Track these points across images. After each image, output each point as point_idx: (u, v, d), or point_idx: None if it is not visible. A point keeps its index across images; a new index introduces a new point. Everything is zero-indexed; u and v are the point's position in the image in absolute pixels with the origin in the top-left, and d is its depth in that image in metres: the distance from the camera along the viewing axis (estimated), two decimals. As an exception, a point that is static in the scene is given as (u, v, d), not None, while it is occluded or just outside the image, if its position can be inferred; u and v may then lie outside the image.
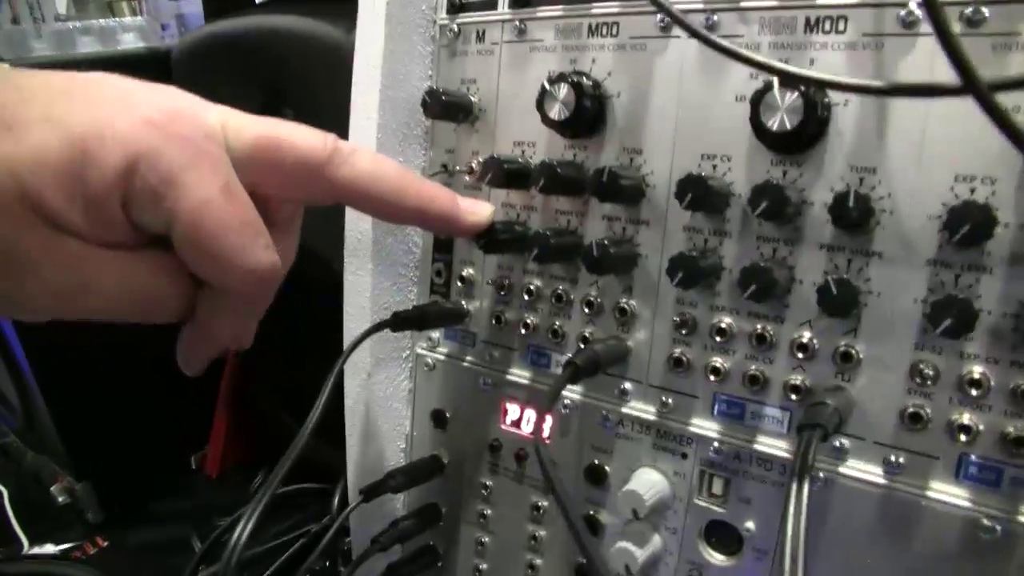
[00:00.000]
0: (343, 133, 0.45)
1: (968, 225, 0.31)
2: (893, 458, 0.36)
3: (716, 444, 0.41)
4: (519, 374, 0.49)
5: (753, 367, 0.39)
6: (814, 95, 0.34)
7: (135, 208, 0.29)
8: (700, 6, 0.39)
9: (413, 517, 0.53)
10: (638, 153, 0.42)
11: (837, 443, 0.37)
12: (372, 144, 0.48)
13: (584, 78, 0.42)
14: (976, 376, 0.34)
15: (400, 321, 0.46)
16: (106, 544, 0.85)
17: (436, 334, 0.53)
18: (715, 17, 0.39)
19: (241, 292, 0.32)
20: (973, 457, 0.34)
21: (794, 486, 0.29)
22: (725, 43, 0.32)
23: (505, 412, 0.49)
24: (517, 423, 0.49)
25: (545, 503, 0.49)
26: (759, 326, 0.39)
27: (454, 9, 0.48)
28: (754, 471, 0.40)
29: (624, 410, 0.44)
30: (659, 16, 0.40)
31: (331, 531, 0.47)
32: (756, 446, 0.40)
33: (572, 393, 0.46)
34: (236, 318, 0.34)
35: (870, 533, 0.37)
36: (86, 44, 0.89)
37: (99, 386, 0.86)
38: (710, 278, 0.40)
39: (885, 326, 0.36)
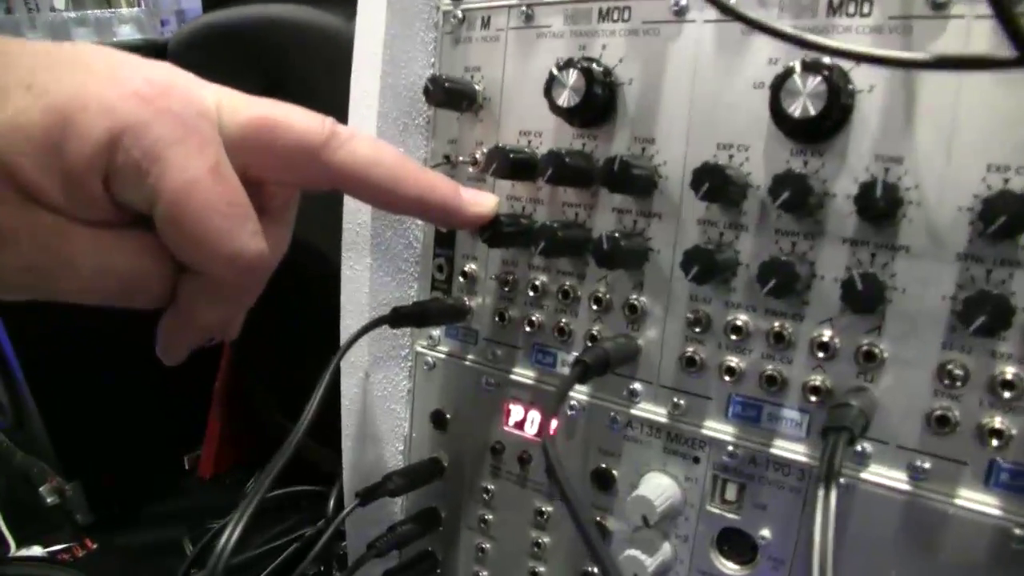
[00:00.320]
0: (342, 122, 0.44)
1: (1004, 216, 0.29)
2: (918, 463, 0.34)
3: (730, 448, 0.39)
4: (523, 374, 0.47)
5: (770, 367, 0.37)
6: (838, 80, 0.33)
7: (117, 184, 0.28)
8: (717, -12, 0.37)
9: (411, 522, 0.51)
10: (650, 143, 0.40)
11: (859, 447, 0.36)
12: (372, 133, 0.47)
13: (594, 64, 0.40)
14: (1009, 377, 0.32)
15: (399, 317, 0.44)
16: (95, 547, 0.83)
17: (436, 332, 0.51)
18: (732, 0, 0.37)
19: (225, 279, 0.30)
20: (1004, 463, 0.32)
21: (821, 492, 0.27)
22: (767, 21, 0.30)
23: (508, 413, 0.47)
24: (520, 425, 0.47)
25: (549, 508, 0.47)
26: (777, 324, 0.37)
27: (458, -6, 0.47)
28: (770, 476, 0.38)
29: (633, 412, 0.42)
30: (673, 0, 0.39)
31: (326, 535, 0.45)
32: (773, 450, 0.38)
33: (579, 394, 0.44)
34: (220, 306, 0.32)
35: (894, 543, 0.35)
36: (82, 35, 0.87)
37: (90, 384, 0.85)
38: (726, 273, 0.38)
39: (911, 324, 0.34)
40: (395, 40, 0.47)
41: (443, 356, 0.50)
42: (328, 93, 0.51)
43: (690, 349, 0.40)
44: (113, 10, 0.90)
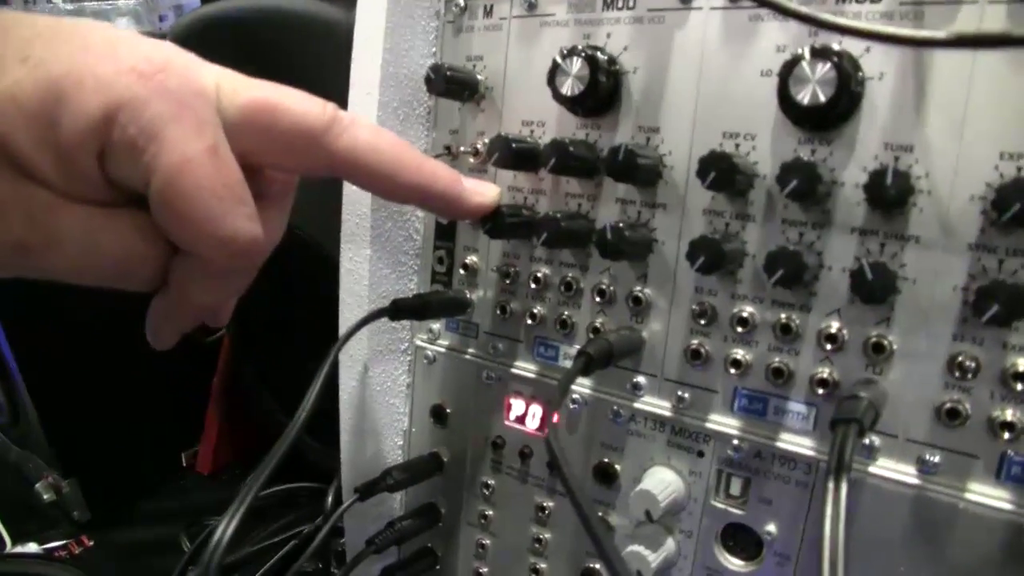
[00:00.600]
0: (342, 111, 0.43)
1: (1018, 204, 0.29)
2: (928, 457, 0.34)
3: (735, 441, 0.38)
4: (524, 367, 0.46)
5: (777, 359, 0.37)
6: (848, 67, 0.32)
7: (112, 161, 0.27)
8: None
9: (411, 518, 0.50)
10: (655, 132, 0.40)
11: (867, 441, 0.35)
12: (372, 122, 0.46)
13: (599, 52, 0.39)
14: (1021, 369, 0.31)
15: (399, 310, 0.44)
16: (92, 543, 0.83)
17: (437, 325, 0.50)
18: (739, -14, 0.36)
19: (218, 262, 0.30)
20: (1016, 456, 0.32)
21: (831, 484, 0.27)
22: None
23: (509, 407, 0.47)
24: (521, 419, 0.46)
25: (550, 503, 0.46)
26: (784, 315, 0.36)
27: (460, -18, 0.46)
28: (776, 470, 0.38)
29: (637, 405, 0.42)
30: (680, -14, 0.38)
31: (323, 531, 0.44)
32: (779, 444, 0.37)
33: (581, 387, 0.44)
34: (212, 290, 0.32)
35: (903, 538, 0.34)
36: (78, 28, 0.86)
37: (87, 380, 0.84)
38: (732, 264, 0.37)
39: (921, 315, 0.33)
40: (396, 29, 0.46)
41: (443, 350, 0.50)
42: (328, 84, 0.50)
43: (695, 341, 0.39)
44: (111, 2, 0.89)
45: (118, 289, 0.30)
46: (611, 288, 0.41)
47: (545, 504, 0.46)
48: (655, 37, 0.39)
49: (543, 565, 0.47)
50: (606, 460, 0.43)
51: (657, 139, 0.39)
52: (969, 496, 0.33)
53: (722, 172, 0.34)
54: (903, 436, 0.34)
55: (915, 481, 0.34)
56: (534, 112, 0.44)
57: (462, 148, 0.47)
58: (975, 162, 0.32)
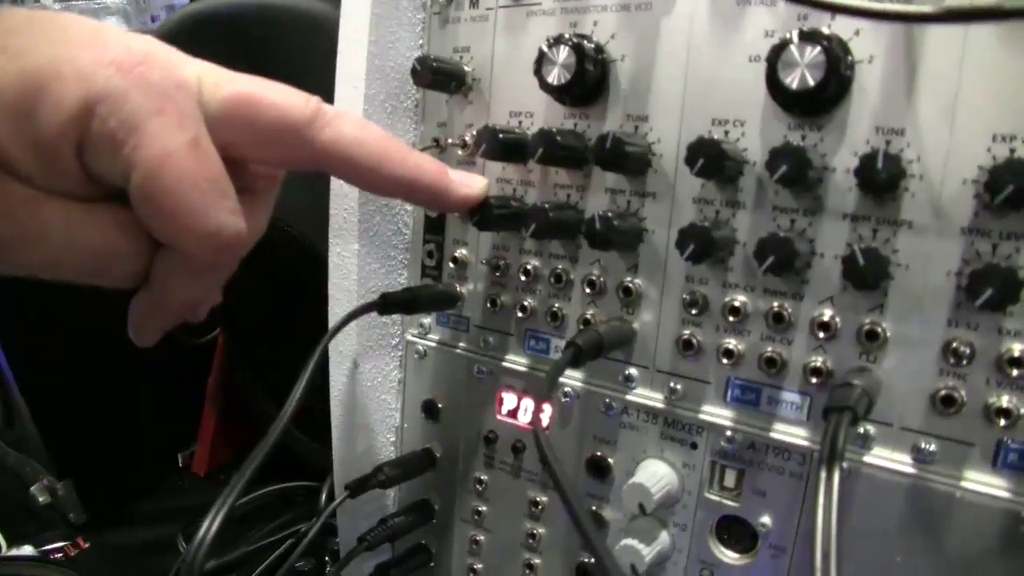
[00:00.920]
0: (328, 104, 0.42)
1: (1011, 187, 0.28)
2: (923, 445, 0.33)
3: (729, 433, 0.38)
4: (515, 361, 0.46)
5: (769, 348, 0.36)
6: (837, 50, 0.32)
7: (91, 155, 0.27)
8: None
9: (403, 514, 0.50)
10: (643, 120, 0.39)
11: (861, 429, 0.34)
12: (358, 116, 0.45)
13: (585, 41, 0.39)
14: (1016, 354, 0.31)
15: (388, 304, 0.43)
16: (88, 545, 0.82)
17: (427, 319, 0.49)
18: (726, -30, 0.36)
19: (200, 256, 0.29)
20: (1013, 443, 0.31)
21: (823, 474, 0.26)
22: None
23: (501, 402, 0.46)
24: (514, 413, 0.46)
25: (544, 498, 0.46)
26: (776, 304, 0.36)
27: (446, -27, 0.45)
28: (770, 461, 0.37)
29: (629, 397, 0.41)
30: (666, -28, 0.37)
31: (314, 529, 0.44)
32: (773, 434, 0.37)
33: (572, 380, 0.43)
34: (194, 285, 0.31)
35: (898, 528, 0.34)
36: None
37: (81, 382, 0.84)
38: (722, 252, 0.37)
39: (914, 301, 0.33)
40: (381, 20, 0.45)
41: (434, 344, 0.49)
42: (317, 80, 0.50)
43: (687, 332, 0.39)
44: (99, 2, 0.89)
45: (98, 286, 0.30)
46: (601, 279, 0.41)
47: (538, 499, 0.46)
48: (642, 24, 0.39)
49: (537, 560, 0.47)
50: (599, 453, 0.42)
51: (646, 127, 0.39)
52: (965, 484, 0.32)
53: (710, 159, 0.34)
54: (898, 424, 0.34)
55: (911, 470, 0.34)
56: (522, 103, 0.43)
57: (450, 140, 0.46)
58: (967, 145, 0.31)
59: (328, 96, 0.47)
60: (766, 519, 0.37)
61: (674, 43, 0.38)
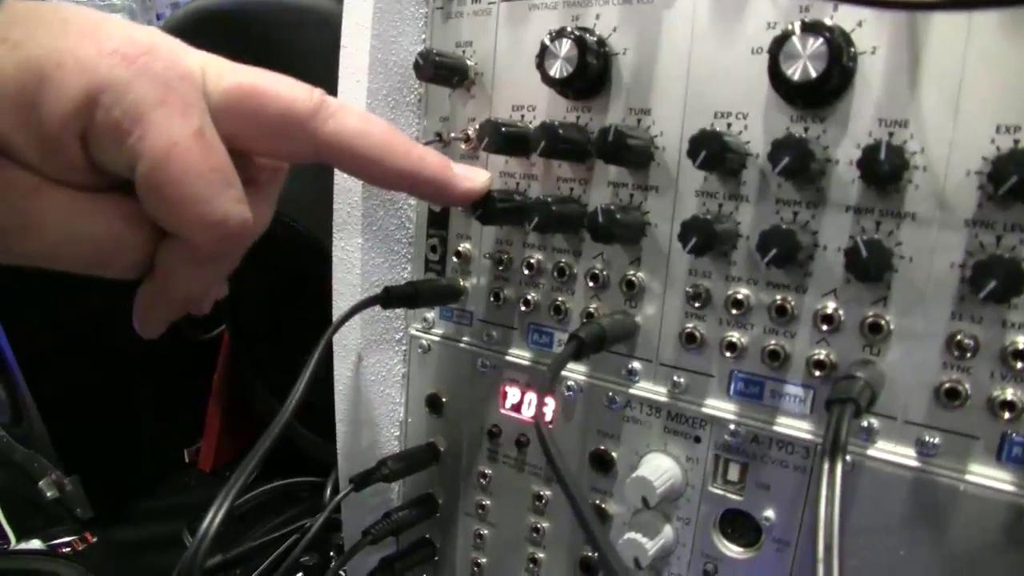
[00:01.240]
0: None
1: (1015, 178, 0.28)
2: (927, 438, 0.33)
3: (732, 426, 0.38)
4: (519, 355, 0.46)
5: (773, 342, 0.36)
6: (839, 41, 0.31)
7: (96, 145, 0.27)
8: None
9: (408, 508, 0.50)
10: (646, 113, 0.39)
11: (865, 423, 0.34)
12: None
13: (587, 34, 0.39)
14: (1021, 347, 0.31)
15: (391, 297, 0.43)
16: (95, 540, 0.82)
17: (431, 314, 0.50)
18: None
19: (205, 246, 0.29)
20: (1017, 436, 0.31)
21: (826, 466, 0.26)
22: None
23: (504, 396, 0.46)
24: (517, 407, 0.46)
25: (548, 492, 0.46)
26: (779, 297, 0.36)
27: (448, -33, 0.45)
28: (774, 455, 0.37)
29: (632, 391, 0.41)
30: (668, -35, 0.37)
31: (318, 522, 0.44)
32: (776, 428, 0.37)
33: (576, 374, 0.43)
34: (198, 277, 0.31)
35: (902, 522, 0.34)
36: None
37: (89, 379, 0.84)
38: (725, 245, 0.36)
39: (918, 294, 0.33)
40: (384, 15, 0.45)
41: (438, 339, 0.49)
42: (322, 75, 0.50)
43: (690, 325, 0.38)
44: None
45: (103, 277, 0.30)
46: (604, 273, 0.41)
47: (542, 493, 0.46)
48: (644, 17, 0.38)
49: (541, 555, 0.47)
50: (602, 447, 0.42)
51: (648, 120, 0.39)
52: (969, 478, 0.32)
53: (712, 151, 0.34)
54: (902, 418, 0.34)
55: (914, 463, 0.33)
56: (524, 96, 0.43)
57: (453, 135, 0.46)
58: (971, 136, 0.31)
59: (331, 91, 0.47)
60: (770, 513, 0.37)
61: (676, 36, 0.38)
